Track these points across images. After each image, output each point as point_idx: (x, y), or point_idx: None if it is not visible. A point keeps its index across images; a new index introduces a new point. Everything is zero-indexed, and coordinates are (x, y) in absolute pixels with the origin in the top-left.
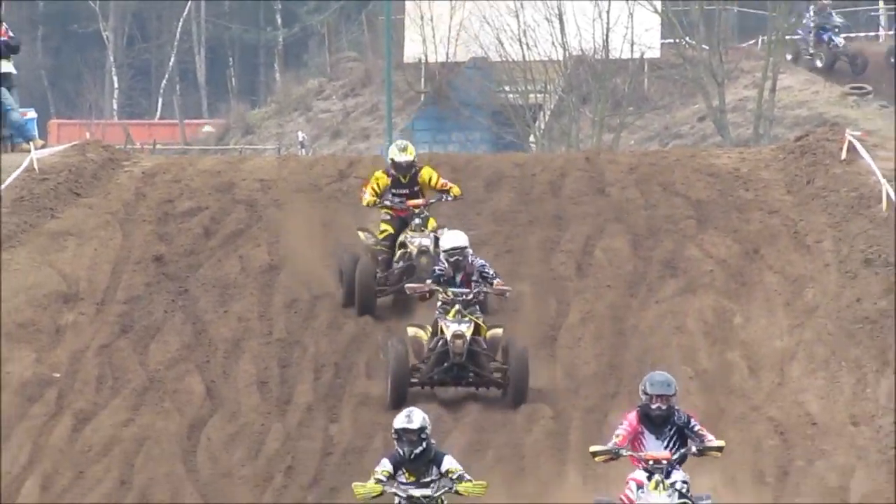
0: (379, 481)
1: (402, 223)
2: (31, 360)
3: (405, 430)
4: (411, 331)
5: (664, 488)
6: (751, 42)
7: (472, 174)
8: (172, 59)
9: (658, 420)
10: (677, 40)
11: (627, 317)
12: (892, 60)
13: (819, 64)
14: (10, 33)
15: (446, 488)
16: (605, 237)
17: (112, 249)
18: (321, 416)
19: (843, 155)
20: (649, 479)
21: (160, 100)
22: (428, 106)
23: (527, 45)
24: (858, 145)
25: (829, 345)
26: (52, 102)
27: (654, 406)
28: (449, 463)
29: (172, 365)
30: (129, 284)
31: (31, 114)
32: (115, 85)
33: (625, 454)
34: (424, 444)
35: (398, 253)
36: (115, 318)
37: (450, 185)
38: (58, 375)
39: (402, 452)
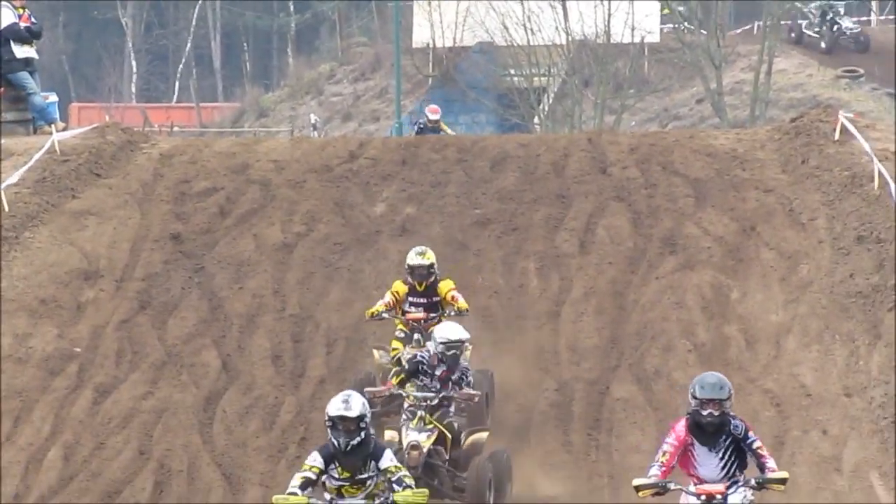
0: (307, 482)
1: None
2: (53, 335)
3: (342, 417)
4: (388, 433)
5: None
6: (747, 27)
7: (478, 154)
8: (189, 45)
9: (710, 428)
10: (676, 25)
11: (628, 292)
12: None
13: (823, 45)
14: (33, 19)
15: (382, 499)
16: (607, 215)
17: (131, 228)
18: (333, 389)
19: (837, 136)
20: None
21: (177, 84)
22: (435, 89)
23: (531, 29)
24: (851, 126)
25: (822, 319)
26: (72, 86)
27: (705, 413)
28: (389, 460)
29: (189, 340)
30: (148, 262)
31: (53, 97)
32: (134, 69)
33: (673, 488)
34: (363, 434)
35: (392, 371)
36: (134, 294)
37: (459, 300)
38: (79, 350)
39: (336, 443)
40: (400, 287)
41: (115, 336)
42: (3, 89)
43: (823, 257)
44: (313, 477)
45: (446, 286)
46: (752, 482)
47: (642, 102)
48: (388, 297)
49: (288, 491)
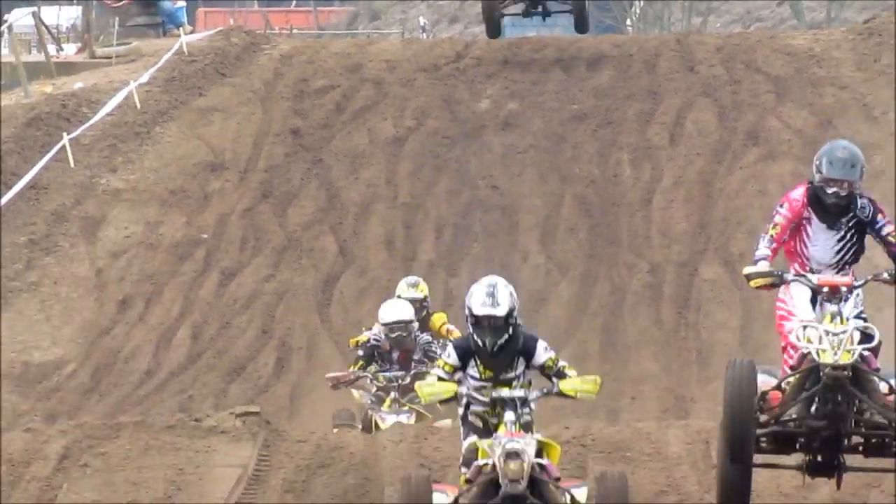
0: (442, 379)
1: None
2: (182, 222)
3: (490, 317)
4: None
5: (842, 322)
6: None
7: (575, 54)
8: None
9: (834, 209)
10: None
11: (714, 181)
12: None
13: None
14: None
15: (544, 391)
16: (695, 110)
17: (254, 123)
18: (442, 272)
19: None
20: (815, 303)
21: None
22: None
23: None
24: None
25: (892, 205)
26: None
27: (829, 191)
28: (543, 353)
29: (308, 226)
30: (269, 155)
31: (181, 2)
32: None
33: (789, 279)
34: (511, 330)
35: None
36: (257, 184)
37: (454, 333)
38: (205, 236)
39: (480, 343)
40: None
41: (239, 223)
42: None
43: (894, 148)
44: (445, 377)
45: (439, 319)
46: (885, 275)
47: (727, 5)
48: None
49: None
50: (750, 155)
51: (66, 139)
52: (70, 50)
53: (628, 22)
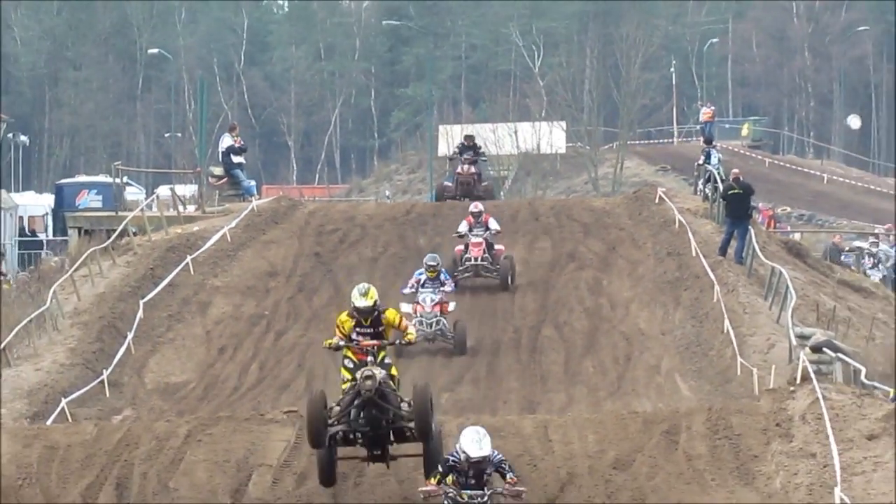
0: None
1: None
2: (253, 305)
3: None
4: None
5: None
6: (610, 144)
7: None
8: (322, 155)
9: None
10: (574, 143)
11: (550, 281)
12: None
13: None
14: (241, 141)
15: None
16: (539, 242)
17: (293, 249)
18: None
19: (657, 200)
20: None
21: (317, 174)
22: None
23: (499, 145)
24: (664, 195)
25: (650, 295)
26: (262, 176)
27: None
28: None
29: (324, 307)
30: (303, 267)
31: (253, 182)
32: (294, 168)
33: None
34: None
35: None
36: (295, 283)
37: (409, 330)
38: (267, 313)
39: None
40: (346, 322)
41: (286, 305)
42: (227, 178)
43: (650, 263)
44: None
45: (392, 315)
46: None
47: (557, 184)
48: (336, 333)
49: None
50: (569, 267)
51: (188, 258)
52: (191, 209)
53: (502, 194)
